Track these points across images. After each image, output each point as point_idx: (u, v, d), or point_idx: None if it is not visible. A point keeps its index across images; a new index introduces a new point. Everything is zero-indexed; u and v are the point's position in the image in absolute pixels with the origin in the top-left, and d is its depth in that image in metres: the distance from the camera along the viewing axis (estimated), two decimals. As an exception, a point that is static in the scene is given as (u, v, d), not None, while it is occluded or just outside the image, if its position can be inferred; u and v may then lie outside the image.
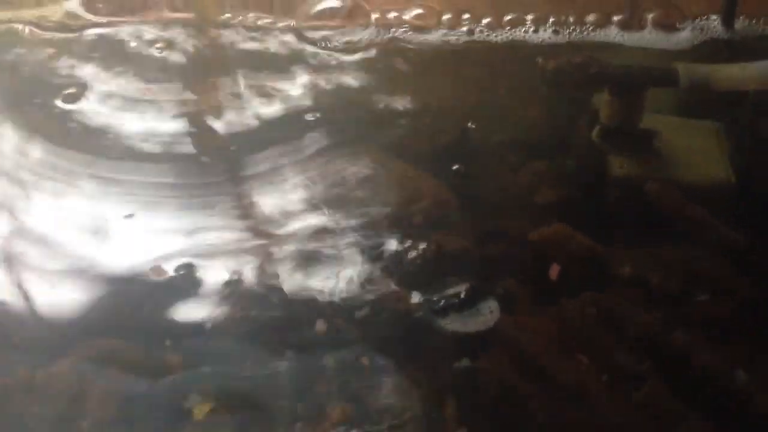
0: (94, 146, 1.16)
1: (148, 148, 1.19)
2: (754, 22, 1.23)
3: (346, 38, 1.27)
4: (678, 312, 0.98)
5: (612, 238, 1.10)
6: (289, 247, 1.07)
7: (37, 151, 1.17)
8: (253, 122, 1.23)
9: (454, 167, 1.17)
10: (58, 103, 1.21)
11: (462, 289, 0.98)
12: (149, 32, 1.29)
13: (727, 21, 1.24)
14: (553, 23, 1.23)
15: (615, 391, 0.93)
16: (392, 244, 1.06)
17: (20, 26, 1.28)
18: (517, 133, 1.23)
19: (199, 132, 1.21)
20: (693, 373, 0.92)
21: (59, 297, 1.01)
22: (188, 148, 1.20)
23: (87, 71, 1.26)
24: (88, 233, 1.08)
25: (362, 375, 0.96)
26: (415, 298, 0.99)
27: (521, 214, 1.14)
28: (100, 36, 1.29)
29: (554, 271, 1.01)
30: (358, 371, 0.96)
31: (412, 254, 1.05)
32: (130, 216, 1.09)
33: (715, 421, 0.88)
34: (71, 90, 1.21)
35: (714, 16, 1.23)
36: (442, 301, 0.97)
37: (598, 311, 0.98)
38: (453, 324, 0.95)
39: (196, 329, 0.99)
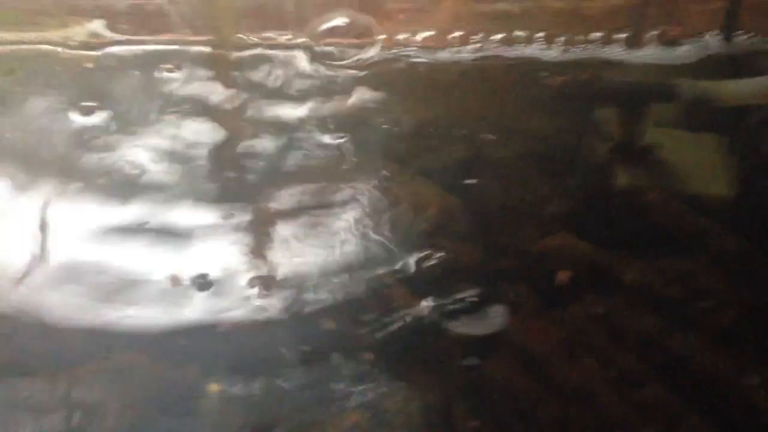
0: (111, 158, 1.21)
1: (164, 165, 1.24)
2: (753, 38, 1.27)
3: (358, 56, 1.32)
4: (678, 317, 1.01)
5: (616, 247, 1.14)
6: (301, 253, 1.12)
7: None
8: (267, 137, 1.28)
9: (466, 181, 1.21)
10: (78, 117, 1.27)
11: (471, 294, 1.02)
12: (169, 51, 1.34)
13: (728, 38, 1.29)
14: (563, 42, 1.28)
15: (618, 392, 0.96)
16: (402, 251, 1.10)
17: (46, 46, 1.33)
18: (525, 147, 1.27)
19: (220, 142, 1.25)
20: (693, 374, 0.96)
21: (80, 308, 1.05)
22: (208, 162, 1.25)
23: (108, 88, 1.31)
24: (107, 243, 1.12)
25: (373, 378, 1.00)
26: (426, 302, 1.03)
27: (528, 224, 1.18)
28: (122, 55, 1.34)
29: (564, 276, 1.05)
30: (369, 374, 1.00)
31: (422, 260, 1.09)
32: (144, 223, 1.13)
33: (714, 420, 0.91)
34: (91, 104, 1.27)
35: (715, 33, 1.27)
36: (452, 305, 1.01)
37: (601, 315, 1.01)
38: (462, 327, 0.99)
39: (210, 333, 1.03)
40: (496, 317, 1.00)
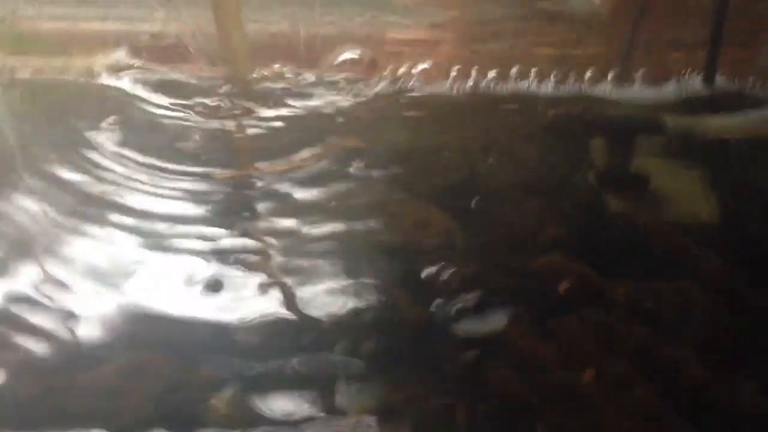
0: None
1: (180, 186, 1.30)
2: (731, 80, 1.37)
3: (364, 88, 1.41)
4: (669, 329, 1.07)
5: (608, 267, 1.20)
6: (310, 264, 1.18)
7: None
8: (275, 167, 1.35)
9: (465, 204, 1.29)
10: (101, 139, 1.34)
11: (473, 298, 1.08)
12: (187, 81, 1.43)
13: (708, 79, 1.39)
14: (555, 78, 1.38)
15: (609, 396, 1.01)
16: (404, 264, 1.17)
17: (72, 73, 1.42)
18: (520, 175, 1.35)
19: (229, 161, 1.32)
20: (682, 380, 1.01)
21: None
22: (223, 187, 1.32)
23: (128, 112, 1.39)
24: (127, 251, 1.18)
25: (375, 379, 1.04)
26: (428, 308, 1.08)
27: (523, 245, 1.24)
28: (142, 82, 1.43)
29: (563, 286, 1.11)
30: (371, 376, 1.05)
31: (423, 272, 1.15)
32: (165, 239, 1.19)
33: (701, 423, 0.96)
34: (114, 125, 1.35)
35: (696, 75, 1.37)
36: (454, 308, 1.07)
37: (594, 327, 1.07)
38: (464, 328, 1.05)
39: (224, 339, 1.08)
40: (496, 320, 1.06)
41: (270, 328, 1.11)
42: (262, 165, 1.29)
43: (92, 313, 1.10)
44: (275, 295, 1.14)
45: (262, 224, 1.22)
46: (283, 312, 1.12)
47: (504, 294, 1.11)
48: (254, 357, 1.06)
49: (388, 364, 1.06)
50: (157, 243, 1.18)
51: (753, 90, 1.37)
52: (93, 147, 1.30)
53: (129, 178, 1.26)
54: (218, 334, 1.10)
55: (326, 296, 1.12)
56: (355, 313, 1.10)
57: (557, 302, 1.12)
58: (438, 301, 1.10)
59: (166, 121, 1.40)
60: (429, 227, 1.25)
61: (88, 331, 1.08)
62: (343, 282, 1.15)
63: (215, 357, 1.07)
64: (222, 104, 1.41)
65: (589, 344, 1.07)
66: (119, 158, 1.29)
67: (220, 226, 1.22)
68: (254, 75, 1.42)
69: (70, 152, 1.30)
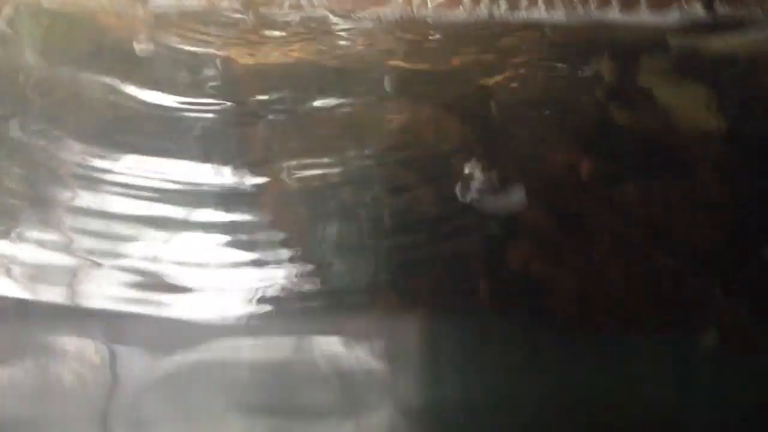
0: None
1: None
2: (731, 6, 1.44)
3: (376, 14, 1.47)
4: (681, 206, 1.13)
5: (616, 170, 1.26)
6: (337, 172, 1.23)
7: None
8: (293, 73, 1.41)
9: (477, 114, 1.34)
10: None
11: (493, 179, 1.13)
12: (207, 9, 1.49)
13: (708, 4, 1.46)
14: (563, 4, 1.45)
15: (627, 270, 1.07)
16: (425, 163, 1.22)
17: (97, 3, 1.48)
18: (530, 92, 1.40)
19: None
20: (696, 251, 1.07)
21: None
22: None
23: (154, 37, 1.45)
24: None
25: (402, 261, 1.09)
26: (447, 191, 1.14)
27: (537, 148, 1.30)
28: (165, 9, 1.49)
29: (584, 167, 1.16)
30: (399, 257, 1.09)
31: (444, 168, 1.21)
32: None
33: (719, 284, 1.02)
34: (143, 45, 1.41)
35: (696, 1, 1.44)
36: (474, 188, 1.12)
37: (610, 204, 1.13)
38: (486, 205, 1.09)
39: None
40: (515, 202, 1.11)
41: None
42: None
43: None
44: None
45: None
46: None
47: (522, 180, 1.16)
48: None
49: (408, 247, 1.11)
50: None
51: (752, 14, 1.44)
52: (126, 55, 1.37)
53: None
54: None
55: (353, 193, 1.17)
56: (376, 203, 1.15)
57: (573, 188, 1.18)
58: (458, 185, 1.15)
59: (189, 47, 1.45)
60: (446, 132, 1.31)
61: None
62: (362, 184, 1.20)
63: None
64: (241, 31, 1.46)
65: (605, 223, 1.12)
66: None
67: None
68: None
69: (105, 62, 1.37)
